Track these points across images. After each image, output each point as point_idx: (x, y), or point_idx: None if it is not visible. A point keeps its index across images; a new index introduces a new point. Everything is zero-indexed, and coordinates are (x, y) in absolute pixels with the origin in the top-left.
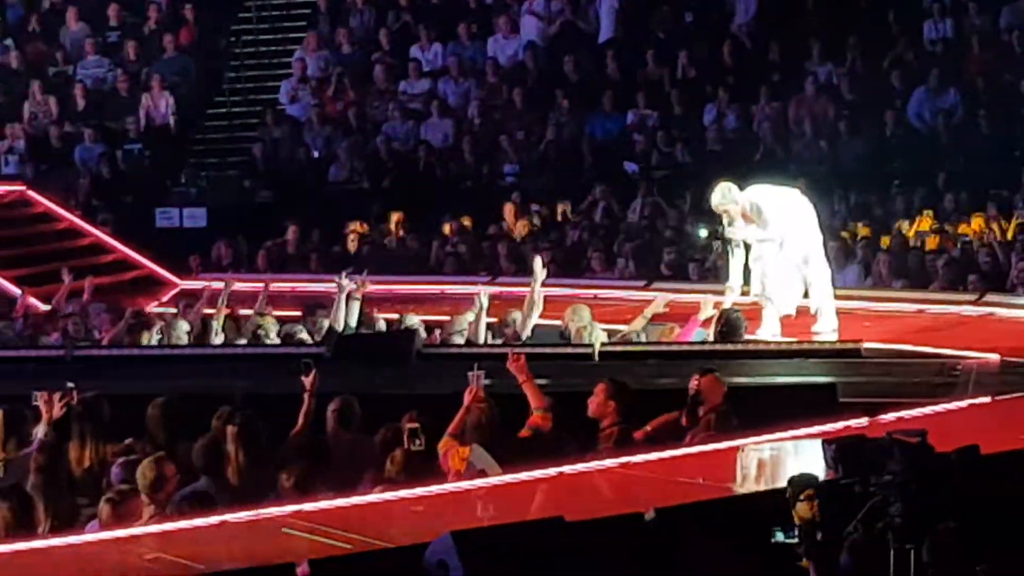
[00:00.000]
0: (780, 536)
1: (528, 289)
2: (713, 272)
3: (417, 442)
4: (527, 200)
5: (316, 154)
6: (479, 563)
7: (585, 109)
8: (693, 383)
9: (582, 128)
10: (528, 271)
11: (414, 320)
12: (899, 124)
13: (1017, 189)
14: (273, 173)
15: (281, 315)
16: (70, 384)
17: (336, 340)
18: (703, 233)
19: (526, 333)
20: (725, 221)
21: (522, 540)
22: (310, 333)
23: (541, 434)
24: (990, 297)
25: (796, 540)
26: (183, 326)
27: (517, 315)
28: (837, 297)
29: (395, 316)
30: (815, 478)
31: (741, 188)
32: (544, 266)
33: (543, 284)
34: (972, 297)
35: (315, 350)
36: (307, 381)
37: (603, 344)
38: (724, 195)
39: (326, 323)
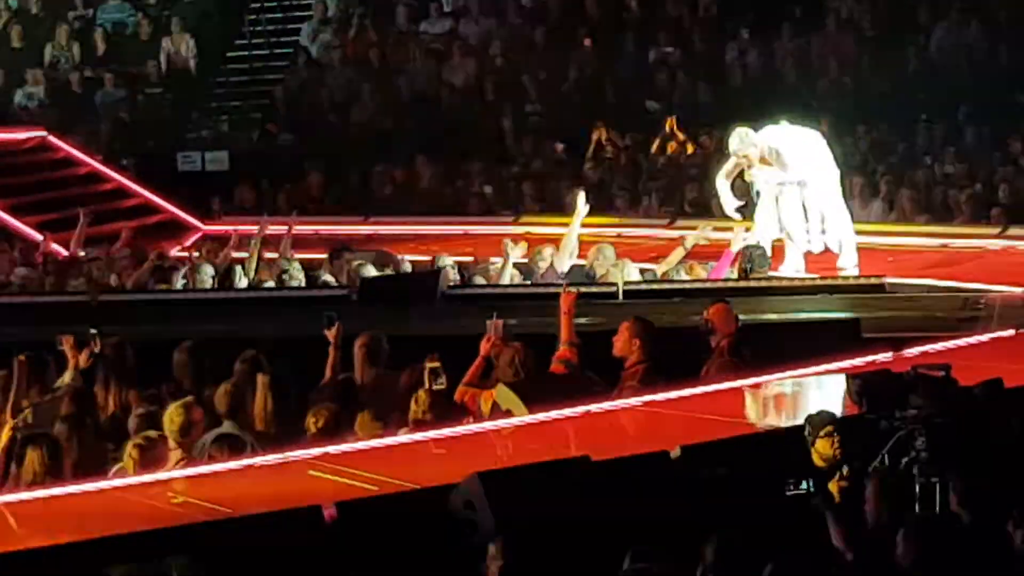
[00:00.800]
0: (803, 486)
1: (567, 227)
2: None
3: (439, 381)
4: (549, 137)
5: (338, 95)
6: (506, 503)
7: (607, 48)
8: (704, 314)
9: (604, 67)
10: (552, 209)
11: (447, 261)
12: (921, 59)
13: None
14: (295, 116)
15: (305, 258)
16: (93, 330)
17: (362, 282)
18: None
19: (563, 269)
20: (744, 165)
21: (549, 480)
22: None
23: (569, 374)
24: (1013, 230)
25: (811, 490)
26: (208, 270)
27: (548, 251)
28: (861, 233)
29: (427, 257)
30: (834, 415)
31: (757, 131)
32: (587, 202)
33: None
34: (995, 230)
35: (340, 292)
36: (330, 334)
37: (628, 283)
38: (742, 140)
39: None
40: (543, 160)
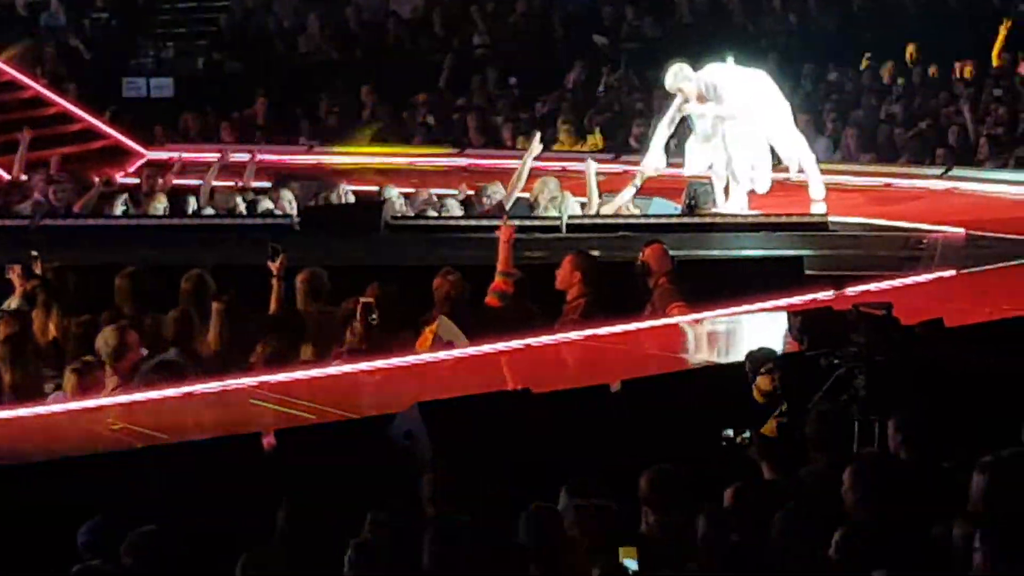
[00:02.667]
0: (730, 433)
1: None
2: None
3: (372, 318)
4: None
5: (284, 24)
6: (446, 434)
7: None
8: (640, 255)
9: (552, 0)
10: (497, 143)
11: (393, 192)
12: None
13: (987, 61)
14: (241, 43)
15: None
16: (34, 253)
17: (304, 212)
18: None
19: (509, 204)
20: (680, 100)
21: (489, 412)
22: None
23: (509, 307)
24: (957, 171)
25: (747, 440)
26: (163, 199)
27: (496, 187)
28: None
29: (373, 188)
30: (774, 352)
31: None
32: (538, 144)
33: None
34: (939, 171)
35: (283, 221)
36: (274, 266)
37: (571, 217)
38: (675, 75)
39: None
40: (489, 93)
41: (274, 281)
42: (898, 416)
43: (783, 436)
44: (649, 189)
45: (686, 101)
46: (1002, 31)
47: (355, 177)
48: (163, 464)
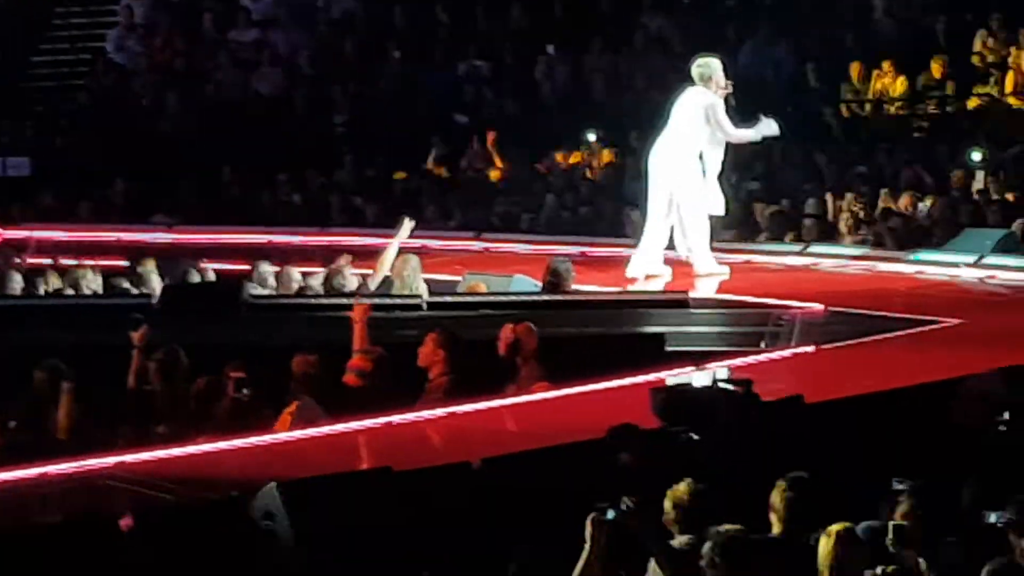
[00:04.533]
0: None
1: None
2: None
3: (244, 391)
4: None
5: (144, 102)
6: (306, 514)
7: (417, 60)
8: (508, 333)
9: (414, 79)
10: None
11: (267, 268)
12: (730, 76)
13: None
14: (100, 122)
15: (108, 265)
16: None
17: (164, 290)
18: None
19: (374, 286)
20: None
21: (350, 490)
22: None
23: (369, 385)
24: (815, 247)
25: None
26: (17, 278)
27: (348, 270)
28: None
29: (233, 267)
30: (636, 428)
31: None
32: (410, 225)
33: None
34: (797, 247)
35: (142, 301)
36: (135, 336)
37: (433, 294)
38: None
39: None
40: (351, 172)
41: (134, 353)
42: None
43: (648, 513)
44: (506, 266)
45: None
46: None
47: (216, 256)
48: (20, 549)
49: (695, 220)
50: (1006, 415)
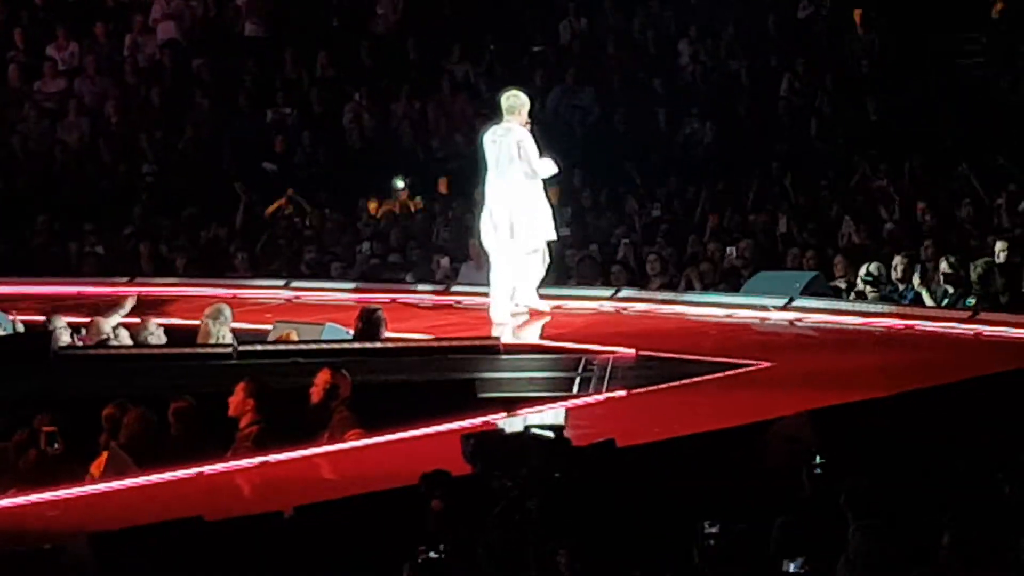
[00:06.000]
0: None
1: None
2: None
3: (55, 445)
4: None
5: None
6: (116, 565)
7: (224, 108)
8: (324, 379)
9: (221, 127)
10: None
11: (60, 322)
12: (536, 121)
13: (651, 187)
14: None
15: None
16: None
17: None
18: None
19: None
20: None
21: (160, 541)
22: None
23: (180, 435)
24: (626, 292)
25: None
26: None
27: (154, 324)
28: (478, 295)
29: (40, 318)
30: (448, 474)
31: None
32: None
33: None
34: (608, 292)
35: None
36: None
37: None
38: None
39: None
40: (158, 221)
41: None
42: (571, 542)
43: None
44: (317, 314)
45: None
46: None
47: (22, 307)
48: None
49: (527, 254)
50: (818, 459)
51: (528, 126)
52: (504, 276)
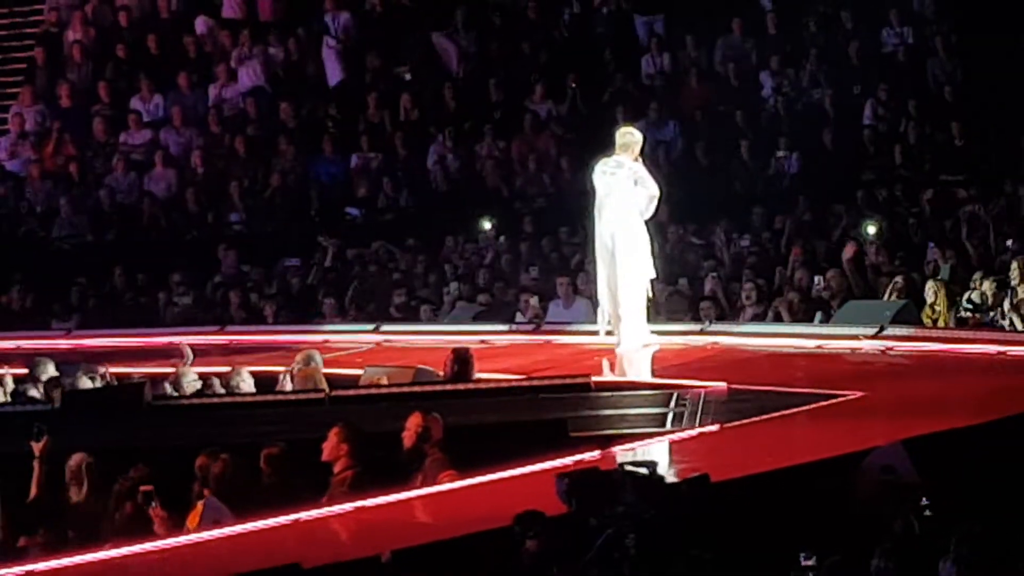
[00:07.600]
0: None
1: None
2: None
3: (153, 504)
4: (251, 248)
5: (38, 209)
6: None
7: (308, 154)
8: (415, 422)
9: (306, 173)
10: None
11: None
12: None
13: (737, 220)
14: None
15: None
16: None
17: (64, 395)
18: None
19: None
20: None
21: None
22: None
23: (275, 482)
24: (716, 326)
25: None
26: None
27: (246, 371)
28: (568, 333)
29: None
30: (542, 515)
31: None
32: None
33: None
34: (698, 327)
35: (42, 407)
36: (37, 447)
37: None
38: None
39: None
40: (247, 269)
41: (35, 463)
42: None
43: None
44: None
45: None
46: None
47: (116, 360)
48: None
49: (632, 286)
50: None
51: (639, 162)
52: (622, 306)
